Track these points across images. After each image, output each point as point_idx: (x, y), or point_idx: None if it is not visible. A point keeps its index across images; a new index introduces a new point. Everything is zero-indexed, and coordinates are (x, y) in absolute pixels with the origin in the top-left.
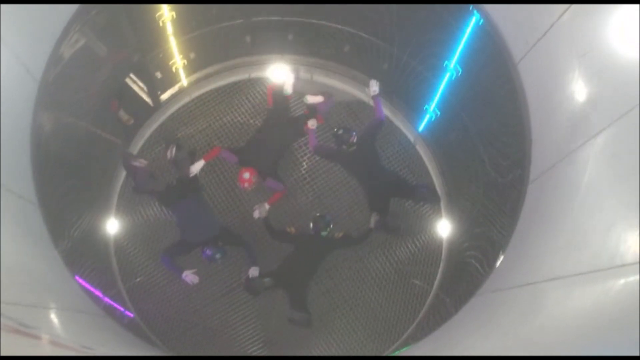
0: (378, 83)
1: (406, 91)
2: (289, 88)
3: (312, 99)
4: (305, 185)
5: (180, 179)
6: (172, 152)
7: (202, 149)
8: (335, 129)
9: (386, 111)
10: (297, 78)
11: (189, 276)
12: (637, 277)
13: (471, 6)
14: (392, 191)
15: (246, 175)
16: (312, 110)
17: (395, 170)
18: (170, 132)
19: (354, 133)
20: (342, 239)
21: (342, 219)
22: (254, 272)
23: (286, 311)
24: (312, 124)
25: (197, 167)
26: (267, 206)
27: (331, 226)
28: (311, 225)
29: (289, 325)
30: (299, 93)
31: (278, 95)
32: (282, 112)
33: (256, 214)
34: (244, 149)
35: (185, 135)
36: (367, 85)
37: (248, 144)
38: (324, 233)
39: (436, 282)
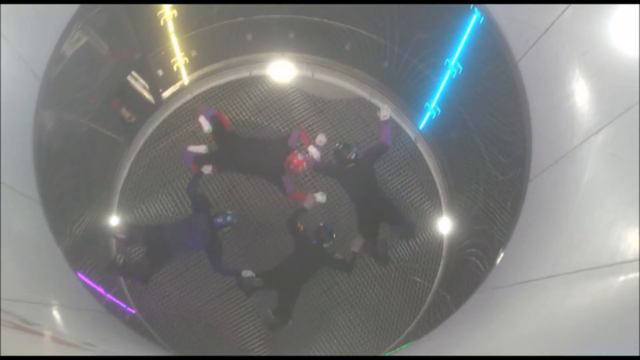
0: (390, 109)
1: (407, 89)
2: (205, 126)
3: (204, 125)
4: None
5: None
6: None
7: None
8: (337, 144)
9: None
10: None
11: (247, 272)
12: (637, 274)
13: (472, 5)
14: (382, 217)
15: (300, 156)
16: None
17: (389, 198)
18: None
19: (354, 150)
20: (339, 261)
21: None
22: (246, 273)
23: (267, 309)
24: (318, 140)
25: (313, 201)
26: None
27: (334, 237)
28: (315, 233)
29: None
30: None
31: (205, 159)
32: (226, 143)
33: (316, 153)
34: (265, 175)
35: (187, 133)
36: (370, 93)
37: (257, 173)
38: (326, 244)
39: (437, 280)
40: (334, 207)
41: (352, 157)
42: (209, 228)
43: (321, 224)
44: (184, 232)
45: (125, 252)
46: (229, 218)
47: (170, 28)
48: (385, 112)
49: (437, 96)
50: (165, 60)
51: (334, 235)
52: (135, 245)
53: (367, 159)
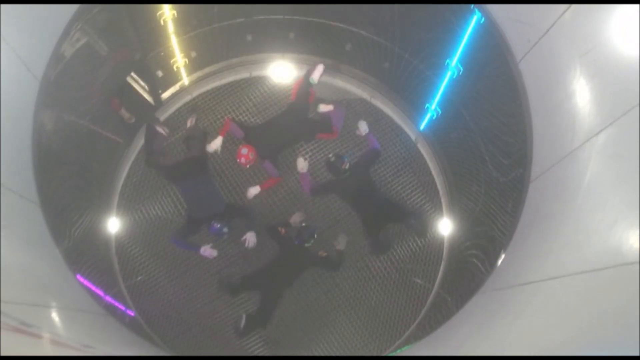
0: (366, 122)
1: (407, 89)
2: (316, 77)
3: (324, 108)
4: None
5: (190, 158)
6: (192, 121)
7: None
8: (330, 155)
9: (388, 109)
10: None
11: (207, 250)
12: (638, 276)
13: (472, 5)
14: (387, 218)
15: (244, 150)
16: (325, 122)
17: (389, 198)
18: (191, 108)
19: (346, 159)
20: (324, 258)
21: (329, 238)
22: (250, 237)
23: (249, 308)
24: (302, 167)
25: (216, 143)
26: (258, 189)
27: (315, 237)
28: (296, 234)
29: (289, 322)
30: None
31: (303, 91)
32: (301, 109)
33: (251, 194)
34: (253, 127)
35: (186, 133)
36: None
37: (260, 127)
38: (307, 244)
39: (437, 281)
40: (335, 208)
41: (347, 166)
42: (206, 216)
43: (303, 224)
44: (200, 188)
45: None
46: (224, 230)
47: (170, 28)
48: (364, 127)
49: (438, 97)
50: (165, 61)
51: (315, 236)
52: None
53: (361, 165)
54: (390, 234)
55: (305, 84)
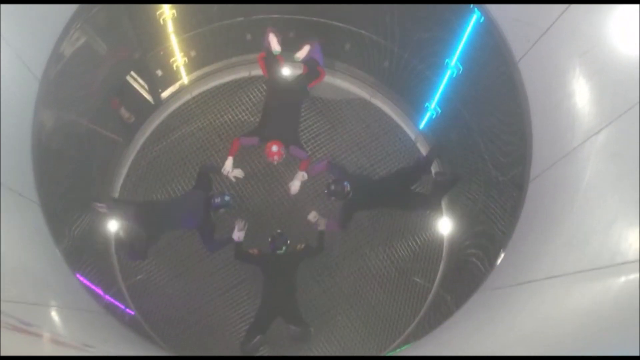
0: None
1: (407, 89)
2: (275, 46)
3: (301, 53)
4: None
5: (134, 213)
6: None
7: (204, 146)
8: (330, 184)
9: (388, 109)
10: (279, 35)
11: (236, 234)
12: (638, 275)
13: (472, 4)
14: (409, 186)
15: (274, 148)
16: (310, 66)
17: (394, 171)
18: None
19: (345, 183)
20: (304, 250)
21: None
22: (238, 172)
23: (285, 330)
24: (314, 217)
25: (228, 165)
26: (305, 175)
27: (288, 242)
28: (269, 241)
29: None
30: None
31: (270, 61)
32: (279, 77)
33: (295, 188)
34: (261, 126)
35: (186, 133)
36: None
37: (262, 121)
38: (280, 251)
39: (437, 280)
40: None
41: (348, 188)
42: (203, 208)
43: (278, 231)
44: (177, 209)
45: (123, 228)
46: (226, 198)
47: (170, 28)
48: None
49: (437, 96)
50: (164, 60)
51: (288, 242)
52: (121, 219)
53: (343, 177)
54: (422, 191)
55: (270, 58)
